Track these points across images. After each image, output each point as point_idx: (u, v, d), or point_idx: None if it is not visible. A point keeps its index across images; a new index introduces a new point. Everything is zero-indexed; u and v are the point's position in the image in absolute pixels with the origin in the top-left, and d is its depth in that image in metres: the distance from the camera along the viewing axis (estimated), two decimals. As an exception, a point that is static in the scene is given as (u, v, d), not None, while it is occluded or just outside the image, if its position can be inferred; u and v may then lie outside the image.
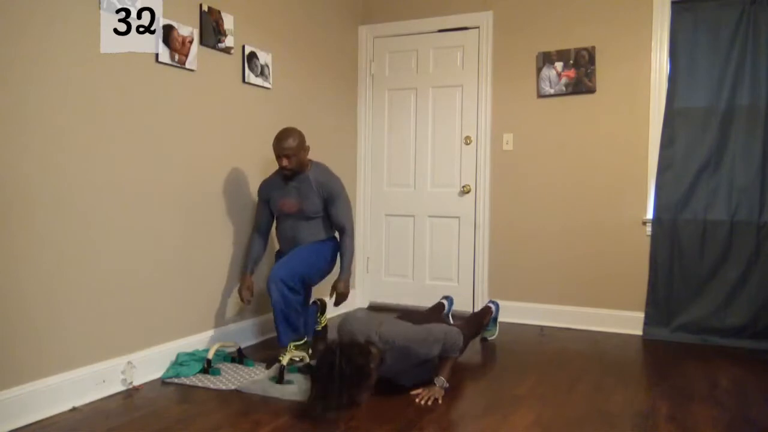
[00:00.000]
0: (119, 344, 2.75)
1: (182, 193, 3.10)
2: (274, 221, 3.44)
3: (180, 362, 2.98)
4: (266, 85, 3.68)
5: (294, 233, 3.30)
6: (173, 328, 3.07)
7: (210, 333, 3.30)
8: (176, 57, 3.00)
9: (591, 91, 4.05)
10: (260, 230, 3.43)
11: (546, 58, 4.16)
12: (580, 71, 4.06)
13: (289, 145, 3.12)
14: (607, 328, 4.01)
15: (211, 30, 3.23)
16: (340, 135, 4.54)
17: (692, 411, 2.57)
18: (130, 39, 2.74)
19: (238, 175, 3.51)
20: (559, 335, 3.94)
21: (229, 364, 3.11)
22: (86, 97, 2.57)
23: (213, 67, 3.27)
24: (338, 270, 3.36)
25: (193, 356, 3.03)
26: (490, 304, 3.73)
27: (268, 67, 3.68)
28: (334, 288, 3.30)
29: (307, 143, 3.27)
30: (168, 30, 2.94)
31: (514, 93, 4.29)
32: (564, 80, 4.12)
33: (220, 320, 3.39)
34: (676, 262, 3.83)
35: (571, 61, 4.08)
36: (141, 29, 2.79)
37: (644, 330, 3.89)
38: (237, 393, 2.73)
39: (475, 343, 3.63)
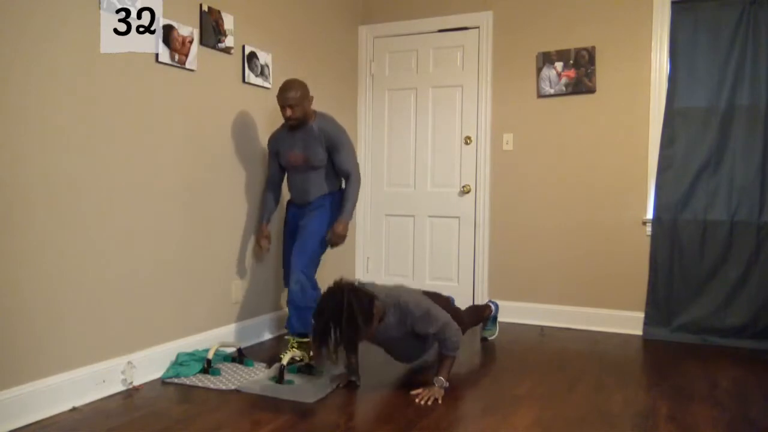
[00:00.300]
0: (119, 344, 2.75)
1: (182, 193, 3.10)
2: (285, 174, 3.52)
3: (180, 362, 2.98)
4: (266, 85, 3.68)
5: (303, 185, 3.37)
6: (173, 328, 3.07)
7: (210, 333, 3.30)
8: (176, 57, 3.00)
9: (591, 91, 4.05)
10: (272, 183, 3.55)
11: (546, 58, 4.16)
12: (580, 71, 4.06)
13: (292, 96, 3.17)
14: (607, 328, 4.01)
15: (211, 30, 3.24)
16: (340, 135, 4.54)
17: (692, 411, 2.57)
18: (130, 39, 2.74)
19: (238, 176, 3.51)
20: (559, 335, 3.94)
21: (229, 364, 3.11)
22: (86, 97, 2.57)
23: (213, 67, 3.27)
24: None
25: (193, 356, 3.03)
26: (490, 303, 3.74)
27: (268, 67, 3.68)
28: (331, 229, 3.29)
29: (311, 94, 3.32)
30: (168, 30, 2.94)
31: (514, 93, 4.29)
32: (564, 80, 4.12)
33: (220, 320, 3.39)
34: (676, 262, 3.83)
35: (571, 61, 4.08)
36: (141, 29, 2.79)
37: (644, 330, 3.89)
38: (237, 393, 2.73)
39: (475, 343, 3.63)
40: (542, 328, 4.10)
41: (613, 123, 4.02)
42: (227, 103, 3.40)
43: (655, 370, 3.25)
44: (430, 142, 4.58)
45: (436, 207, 4.57)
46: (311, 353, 3.15)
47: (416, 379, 2.91)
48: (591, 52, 4.02)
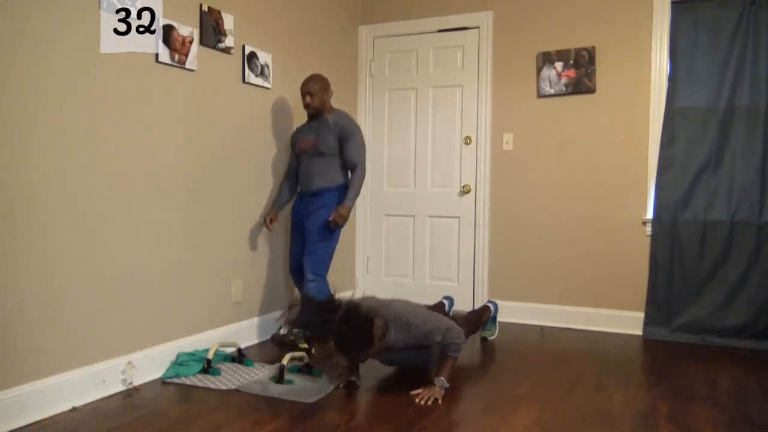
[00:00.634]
0: (119, 344, 2.75)
1: (182, 193, 3.10)
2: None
3: (180, 362, 2.98)
4: (266, 85, 3.68)
5: (309, 169, 3.54)
6: (173, 328, 3.07)
7: (210, 333, 3.29)
8: (176, 57, 3.00)
9: (591, 91, 4.05)
10: (290, 175, 3.74)
11: (546, 58, 4.16)
12: (580, 71, 4.06)
13: (312, 85, 3.50)
14: (607, 328, 4.01)
15: (211, 30, 3.24)
16: (340, 135, 4.54)
17: (692, 411, 2.57)
18: (130, 39, 2.74)
19: (238, 176, 3.51)
20: (559, 335, 3.94)
21: (229, 364, 3.11)
22: (86, 97, 2.57)
23: (213, 67, 3.27)
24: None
25: (193, 356, 3.03)
26: (489, 304, 3.74)
27: (268, 67, 3.68)
28: (336, 211, 3.45)
29: (331, 89, 3.60)
30: (168, 30, 2.94)
31: (514, 93, 4.29)
32: (564, 80, 4.12)
33: (220, 320, 3.39)
34: (676, 262, 3.83)
35: (571, 61, 4.08)
36: (141, 29, 2.79)
37: (644, 330, 3.89)
38: (237, 393, 2.73)
39: (475, 343, 3.63)
40: (542, 328, 4.10)
41: (613, 123, 4.02)
42: (227, 104, 3.40)
43: (655, 370, 3.25)
44: (430, 142, 4.58)
45: (436, 207, 4.57)
46: (312, 350, 3.18)
47: (416, 379, 2.91)
48: (591, 52, 4.02)
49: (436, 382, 2.71)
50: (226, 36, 3.33)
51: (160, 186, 2.96)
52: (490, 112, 4.37)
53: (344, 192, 3.52)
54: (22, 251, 2.34)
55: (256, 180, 3.65)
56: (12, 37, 2.28)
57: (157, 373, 2.92)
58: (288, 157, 3.81)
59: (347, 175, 3.59)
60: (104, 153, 2.66)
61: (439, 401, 2.63)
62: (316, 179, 3.51)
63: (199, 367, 2.98)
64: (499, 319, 3.84)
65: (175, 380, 2.88)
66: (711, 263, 3.76)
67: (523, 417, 2.48)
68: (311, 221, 3.50)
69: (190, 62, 3.09)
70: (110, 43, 2.65)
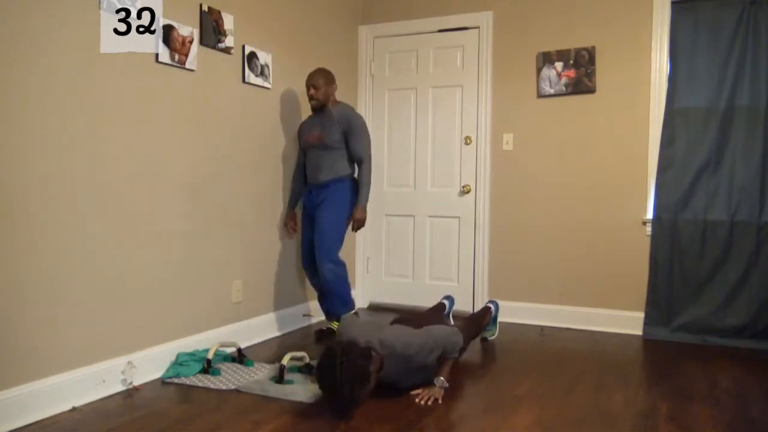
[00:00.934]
0: (119, 344, 2.76)
1: (182, 193, 3.10)
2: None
3: (180, 362, 2.98)
4: (266, 85, 3.68)
5: (317, 161, 3.64)
6: (173, 328, 3.07)
7: (210, 333, 3.30)
8: (176, 57, 3.00)
9: (591, 91, 4.05)
10: (300, 167, 3.86)
11: (546, 58, 4.16)
12: (580, 71, 4.06)
13: (316, 78, 3.59)
14: (607, 328, 4.01)
15: (211, 30, 3.24)
16: (340, 135, 4.54)
17: (692, 411, 2.57)
18: (130, 39, 2.74)
19: (238, 176, 3.51)
20: (559, 335, 3.94)
21: (229, 364, 3.11)
22: (86, 97, 2.57)
23: (213, 67, 3.27)
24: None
25: (193, 356, 3.03)
26: (490, 304, 3.73)
27: (268, 67, 3.68)
28: (351, 215, 3.62)
29: (336, 84, 3.70)
30: (168, 30, 2.94)
31: (514, 93, 4.29)
32: (564, 80, 4.12)
33: (220, 320, 3.39)
34: (676, 262, 3.83)
35: (571, 61, 4.08)
36: (141, 29, 2.79)
37: (644, 330, 3.89)
38: (237, 393, 2.73)
39: (475, 343, 3.63)
40: (542, 328, 4.10)
41: (613, 123, 4.02)
42: (227, 104, 3.40)
43: (655, 370, 3.25)
44: (430, 142, 4.58)
45: (436, 207, 4.57)
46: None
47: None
48: (591, 52, 4.02)
49: (435, 382, 2.71)
50: (226, 36, 3.33)
51: (160, 186, 2.96)
52: (490, 112, 4.37)
53: (352, 183, 3.65)
54: (22, 251, 2.34)
55: (256, 180, 3.65)
56: (12, 37, 2.28)
57: (157, 373, 2.92)
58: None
59: (354, 166, 3.70)
60: (104, 153, 2.66)
61: (439, 401, 2.63)
62: (324, 172, 3.61)
63: (199, 367, 2.98)
64: (499, 319, 3.84)
65: (175, 380, 2.88)
66: (711, 263, 3.76)
67: (523, 417, 2.48)
68: (319, 210, 3.61)
69: (190, 62, 3.09)
70: (110, 43, 2.66)
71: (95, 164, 2.62)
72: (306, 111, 3.99)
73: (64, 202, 2.49)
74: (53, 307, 2.46)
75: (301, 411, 2.51)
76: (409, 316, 3.44)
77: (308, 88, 3.60)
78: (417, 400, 2.63)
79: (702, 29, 3.76)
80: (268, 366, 3.09)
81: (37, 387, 2.39)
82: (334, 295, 3.59)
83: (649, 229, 3.92)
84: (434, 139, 4.57)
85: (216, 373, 2.95)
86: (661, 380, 3.01)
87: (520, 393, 2.79)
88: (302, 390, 2.72)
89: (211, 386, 2.80)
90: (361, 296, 4.78)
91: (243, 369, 3.05)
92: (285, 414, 2.48)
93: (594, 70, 4.03)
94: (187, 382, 2.85)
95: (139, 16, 2.77)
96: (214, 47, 3.26)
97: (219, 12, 3.27)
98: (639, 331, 3.91)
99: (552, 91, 4.16)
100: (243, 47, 3.48)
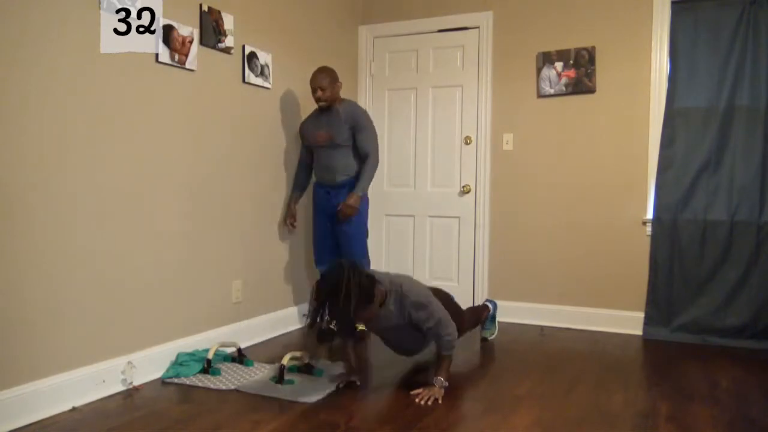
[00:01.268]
0: (119, 344, 2.76)
1: (182, 193, 3.10)
2: (313, 157, 3.80)
3: (180, 362, 2.98)
4: (266, 85, 3.68)
5: (328, 161, 3.66)
6: (173, 328, 3.07)
7: (210, 333, 3.30)
8: (176, 57, 3.00)
9: (591, 91, 4.05)
10: (302, 164, 3.87)
11: (546, 58, 4.16)
12: (580, 71, 4.06)
13: (321, 79, 3.57)
14: (607, 328, 4.01)
15: (211, 30, 3.24)
16: (340, 135, 4.54)
17: (692, 411, 2.57)
18: (130, 39, 2.74)
19: (238, 176, 3.51)
20: (559, 335, 3.94)
21: (229, 364, 3.11)
22: (86, 97, 2.57)
23: (213, 67, 3.27)
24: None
25: (193, 356, 3.03)
26: (487, 303, 3.73)
27: (268, 67, 3.68)
28: (344, 201, 3.58)
29: (340, 81, 3.69)
30: (168, 30, 2.94)
31: (514, 93, 4.29)
32: (564, 80, 4.12)
33: (220, 320, 3.39)
34: (676, 262, 3.83)
35: (571, 61, 4.08)
36: (141, 29, 2.79)
37: (644, 330, 3.89)
38: (237, 393, 2.73)
39: (475, 343, 3.63)
40: (542, 328, 4.10)
41: (613, 123, 4.02)
42: (227, 104, 3.40)
43: (655, 370, 3.25)
44: (430, 142, 4.58)
45: (436, 207, 4.57)
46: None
47: (416, 379, 2.92)
48: (591, 52, 4.02)
49: (435, 382, 2.71)
50: (226, 36, 3.33)
51: (160, 186, 2.96)
52: (490, 112, 4.37)
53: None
54: (22, 251, 2.34)
55: (256, 180, 3.65)
56: (12, 37, 2.28)
57: (157, 373, 2.92)
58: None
59: (361, 163, 3.69)
60: (104, 153, 2.66)
61: (439, 401, 2.63)
62: (339, 172, 3.64)
63: (199, 367, 2.98)
64: (499, 319, 3.84)
65: (175, 380, 2.88)
66: (711, 263, 3.76)
67: (523, 417, 2.48)
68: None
69: (190, 62, 3.09)
70: (110, 43, 2.65)
71: (95, 164, 2.62)
72: (306, 110, 3.99)
73: (64, 202, 2.49)
74: (53, 307, 2.46)
75: (301, 411, 2.51)
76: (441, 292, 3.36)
77: (315, 90, 3.59)
78: (417, 400, 2.63)
79: (702, 29, 3.76)
80: (268, 366, 3.09)
81: (37, 387, 2.39)
82: None
83: (649, 229, 3.92)
84: (434, 139, 4.57)
85: (216, 373, 2.95)
86: (661, 380, 3.01)
87: (520, 393, 2.79)
88: (302, 390, 2.72)
89: (211, 386, 2.80)
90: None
91: (243, 369, 3.05)
92: (285, 414, 2.48)
93: (594, 70, 4.03)
94: (187, 382, 2.85)
95: (139, 16, 2.77)
96: (214, 47, 3.26)
97: (219, 12, 3.28)
98: (639, 331, 3.91)
99: (552, 91, 4.16)
100: (243, 47, 3.48)
